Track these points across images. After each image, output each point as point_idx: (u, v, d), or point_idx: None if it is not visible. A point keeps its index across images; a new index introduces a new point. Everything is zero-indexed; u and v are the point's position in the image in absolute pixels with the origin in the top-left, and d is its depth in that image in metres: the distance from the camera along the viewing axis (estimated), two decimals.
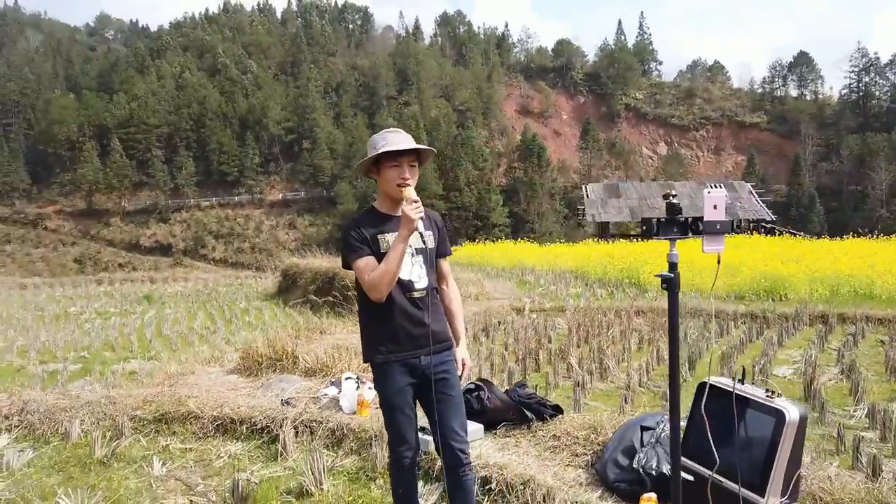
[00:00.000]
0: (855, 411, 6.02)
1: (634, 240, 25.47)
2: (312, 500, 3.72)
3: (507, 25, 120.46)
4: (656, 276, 2.15)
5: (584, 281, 17.31)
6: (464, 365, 2.93)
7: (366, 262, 2.71)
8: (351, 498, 3.78)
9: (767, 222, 39.12)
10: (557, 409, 4.28)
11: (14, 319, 19.26)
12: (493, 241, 30.72)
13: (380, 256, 2.70)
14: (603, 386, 7.31)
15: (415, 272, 2.79)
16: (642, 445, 3.38)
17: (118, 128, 78.10)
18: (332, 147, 76.41)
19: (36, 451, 4.45)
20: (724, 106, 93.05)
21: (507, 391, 4.32)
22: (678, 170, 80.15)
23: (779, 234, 30.60)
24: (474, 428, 4.15)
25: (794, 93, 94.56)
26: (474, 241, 31.14)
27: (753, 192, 42.20)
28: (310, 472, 3.81)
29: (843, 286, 14.05)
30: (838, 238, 24.87)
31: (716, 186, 2.10)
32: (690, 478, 2.77)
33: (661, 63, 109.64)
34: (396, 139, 2.77)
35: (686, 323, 10.49)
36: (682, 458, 2.89)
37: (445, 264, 3.01)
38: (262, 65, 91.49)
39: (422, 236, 2.76)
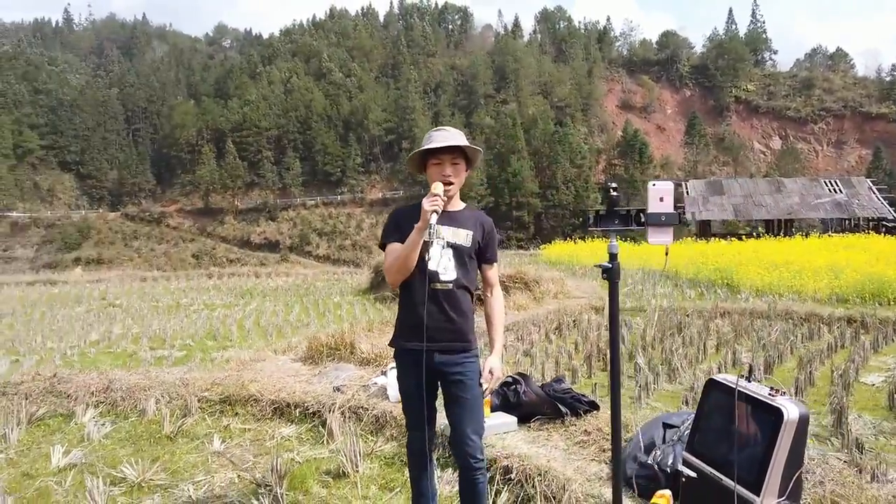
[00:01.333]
0: None
1: (736, 240, 24.27)
2: (347, 481, 3.93)
3: (608, 19, 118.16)
4: (595, 266, 2.16)
5: (674, 281, 16.76)
6: (491, 374, 2.85)
7: (392, 248, 2.82)
8: (384, 480, 3.96)
9: (890, 221, 36.07)
10: (593, 406, 4.28)
11: (133, 309, 20.88)
12: (584, 240, 30.15)
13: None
14: (670, 387, 7.13)
15: (442, 263, 2.79)
16: (664, 442, 3.34)
17: (232, 131, 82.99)
18: None
19: (114, 424, 4.94)
20: (846, 96, 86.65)
21: (542, 386, 4.36)
22: (793, 165, 75.29)
23: None
24: (508, 420, 4.23)
25: None
26: (565, 240, 30.65)
27: (874, 188, 38.92)
28: (346, 456, 4.03)
29: None
30: None
31: (662, 179, 2.10)
32: (693, 474, 2.74)
33: (775, 52, 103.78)
34: (439, 137, 2.80)
35: (772, 325, 9.99)
36: (687, 455, 2.87)
37: (491, 271, 2.97)
38: (365, 67, 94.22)
39: (430, 228, 2.67)
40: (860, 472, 3.42)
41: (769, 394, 2.55)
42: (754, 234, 36.98)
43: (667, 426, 3.48)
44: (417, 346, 2.75)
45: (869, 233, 27.18)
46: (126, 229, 79.10)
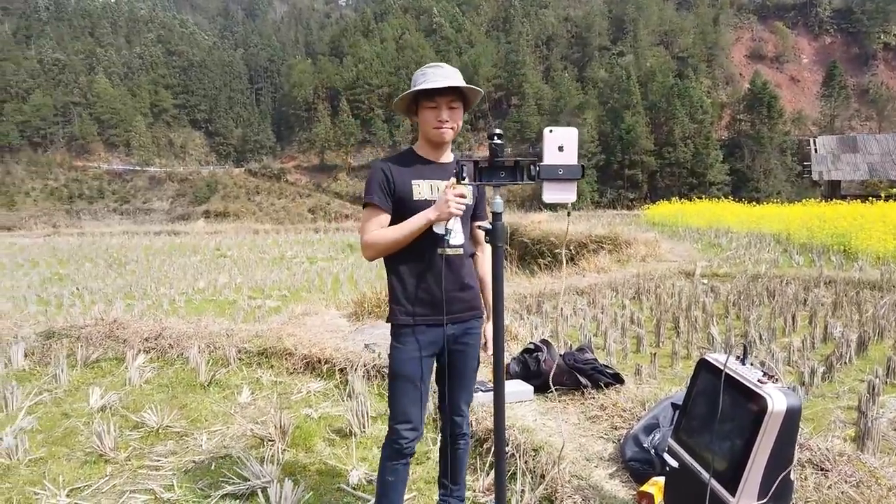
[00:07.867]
0: None
1: (860, 202, 21.98)
2: (353, 441, 3.88)
3: None
4: (477, 226, 1.86)
5: (783, 246, 15.47)
6: (487, 342, 2.64)
7: (377, 215, 2.44)
8: None
9: None
10: (616, 378, 3.96)
11: (241, 260, 22.12)
12: (693, 201, 28.38)
13: (408, 204, 2.42)
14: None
15: (452, 225, 2.44)
16: (670, 424, 3.02)
17: (346, 89, 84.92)
18: (539, 103, 75.86)
19: (158, 371, 5.17)
20: None
21: (563, 355, 4.08)
22: None
23: None
24: (524, 389, 4.01)
25: None
26: (681, 200, 28.90)
27: None
28: (354, 415, 3.98)
29: None
30: None
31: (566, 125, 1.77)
32: (676, 464, 2.43)
33: None
34: (435, 75, 2.42)
35: (882, 297, 8.96)
36: (672, 442, 2.55)
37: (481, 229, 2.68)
38: (475, 22, 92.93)
39: (446, 231, 2.41)
40: None
41: (759, 379, 2.19)
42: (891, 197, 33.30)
43: (676, 406, 3.14)
44: (431, 321, 2.47)
45: None
46: (249, 184, 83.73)
